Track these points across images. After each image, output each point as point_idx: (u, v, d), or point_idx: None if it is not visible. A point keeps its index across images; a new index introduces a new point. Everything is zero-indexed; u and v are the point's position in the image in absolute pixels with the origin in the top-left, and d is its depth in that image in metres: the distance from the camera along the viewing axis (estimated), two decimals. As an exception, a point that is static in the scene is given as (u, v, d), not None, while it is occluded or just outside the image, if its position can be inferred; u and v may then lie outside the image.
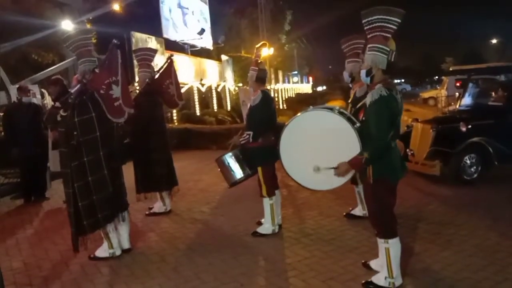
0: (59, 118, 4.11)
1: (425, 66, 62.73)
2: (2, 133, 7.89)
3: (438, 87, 27.18)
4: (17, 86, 7.88)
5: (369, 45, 3.11)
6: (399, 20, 3.01)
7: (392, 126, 3.10)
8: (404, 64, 62.79)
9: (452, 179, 6.37)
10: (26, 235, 5.35)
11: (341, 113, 3.35)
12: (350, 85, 4.97)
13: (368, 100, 3.13)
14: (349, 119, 3.28)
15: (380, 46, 3.06)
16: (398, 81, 60.37)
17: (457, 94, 11.16)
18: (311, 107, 3.54)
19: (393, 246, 3.25)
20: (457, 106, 7.88)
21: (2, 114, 7.63)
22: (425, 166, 6.56)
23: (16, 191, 7.41)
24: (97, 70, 4.07)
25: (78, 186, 3.97)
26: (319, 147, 3.32)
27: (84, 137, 3.95)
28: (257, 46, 4.75)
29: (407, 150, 6.90)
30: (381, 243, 3.30)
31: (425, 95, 27.57)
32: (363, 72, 3.20)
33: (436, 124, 6.68)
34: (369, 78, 3.16)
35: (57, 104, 4.31)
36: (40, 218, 6.09)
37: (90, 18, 14.45)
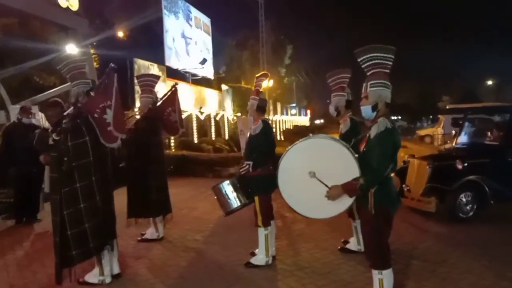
0: (51, 142, 4.00)
1: (422, 104, 63.49)
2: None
3: (432, 125, 27.44)
4: (17, 106, 7.92)
5: (372, 82, 3.17)
6: (393, 57, 3.15)
7: (392, 158, 3.18)
8: (401, 102, 63.52)
9: (448, 216, 6.36)
10: (15, 256, 5.25)
11: (341, 143, 3.39)
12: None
13: (373, 132, 3.17)
14: (348, 149, 3.32)
15: (384, 81, 3.17)
16: (395, 118, 61.01)
17: (453, 132, 11.27)
18: (311, 135, 3.55)
19: (387, 277, 3.27)
20: (454, 144, 7.95)
21: (1, 133, 7.63)
22: (421, 202, 6.55)
23: (7, 211, 7.31)
24: (92, 93, 4.03)
25: (68, 214, 3.82)
26: (319, 174, 3.30)
27: (77, 162, 3.84)
28: (257, 75, 4.82)
29: (403, 186, 6.91)
30: (375, 274, 3.30)
31: (422, 132, 27.82)
32: (367, 108, 3.21)
33: (433, 161, 6.72)
34: (374, 113, 3.21)
35: (47, 126, 4.25)
36: (30, 240, 6.00)
37: (94, 43, 14.71)
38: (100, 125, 3.95)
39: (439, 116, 25.50)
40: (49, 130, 4.26)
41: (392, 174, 3.45)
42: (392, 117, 3.32)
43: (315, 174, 3.24)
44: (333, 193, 3.20)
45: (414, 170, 6.88)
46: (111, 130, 3.93)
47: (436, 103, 53.77)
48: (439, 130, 21.56)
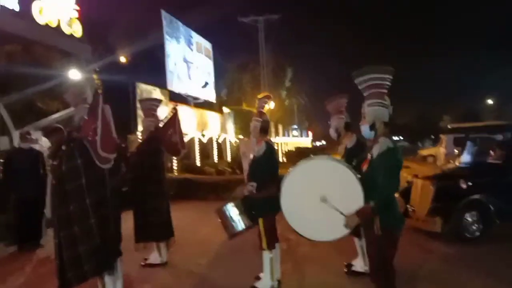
0: (50, 167, 4.10)
1: (422, 124, 63.59)
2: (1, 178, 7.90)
3: (433, 145, 27.35)
4: (18, 131, 7.99)
5: (368, 101, 3.23)
6: (391, 77, 3.19)
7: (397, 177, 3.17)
8: (402, 122, 63.67)
9: (453, 236, 6.29)
10: (17, 284, 5.19)
11: (343, 163, 3.40)
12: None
13: (375, 152, 3.19)
14: (350, 169, 3.31)
15: (380, 100, 3.20)
16: (397, 138, 60.93)
17: (455, 151, 11.26)
18: (312, 156, 3.56)
19: None
20: (457, 164, 7.93)
21: (2, 159, 7.67)
22: (426, 222, 6.50)
23: (9, 237, 7.26)
24: (85, 117, 4.09)
25: (63, 236, 3.83)
26: (321, 195, 3.28)
27: (70, 185, 3.86)
28: (259, 96, 4.86)
29: (408, 206, 6.86)
30: None
31: (424, 152, 27.75)
32: (365, 127, 3.27)
33: (437, 181, 6.69)
34: (373, 132, 3.25)
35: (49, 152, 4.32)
36: (33, 266, 5.93)
37: (96, 69, 14.89)
38: (93, 147, 3.95)
39: (441, 135, 25.48)
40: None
41: (396, 195, 3.43)
42: (394, 138, 3.32)
43: (327, 199, 3.22)
44: (350, 223, 3.17)
45: (418, 190, 6.85)
46: (99, 151, 3.92)
47: (437, 122, 53.83)
48: (441, 150, 21.51)
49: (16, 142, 8.31)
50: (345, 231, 3.31)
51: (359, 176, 3.27)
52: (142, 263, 5.63)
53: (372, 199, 3.11)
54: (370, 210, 3.09)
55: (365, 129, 3.29)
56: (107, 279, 4.12)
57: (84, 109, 4.13)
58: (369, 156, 3.29)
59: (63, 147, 3.94)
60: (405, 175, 8.24)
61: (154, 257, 5.65)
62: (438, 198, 6.46)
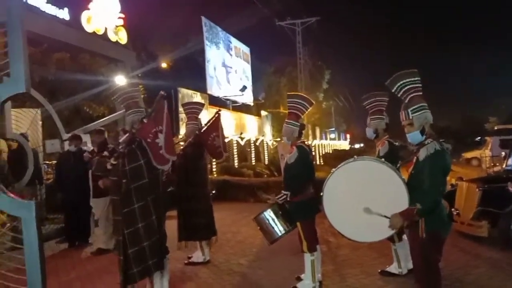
0: (109, 167, 4.29)
1: (467, 126, 61.23)
2: (50, 180, 8.38)
3: (478, 148, 26.32)
4: (67, 135, 8.42)
5: (413, 107, 3.18)
6: (420, 79, 3.20)
7: (443, 181, 3.14)
8: (445, 125, 61.62)
9: (501, 241, 6.07)
10: (68, 279, 5.48)
11: (387, 165, 3.36)
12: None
13: (421, 155, 3.15)
14: (395, 171, 3.28)
15: (424, 104, 3.19)
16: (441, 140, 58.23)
17: (502, 154, 10.83)
18: (355, 156, 3.53)
19: None
20: (504, 166, 7.66)
21: (55, 162, 8.15)
22: (471, 226, 6.31)
23: (61, 235, 7.66)
24: (145, 120, 4.26)
25: (128, 233, 4.02)
26: (365, 197, 3.27)
27: (134, 184, 4.06)
28: (289, 93, 4.81)
29: (452, 209, 6.69)
30: None
31: (468, 155, 26.73)
32: (416, 134, 3.21)
33: (483, 184, 6.48)
34: (424, 137, 3.20)
35: (105, 153, 4.54)
36: (83, 263, 6.24)
37: (139, 74, 15.40)
38: (153, 149, 4.14)
39: (486, 138, 24.50)
40: (106, 155, 4.53)
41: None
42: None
43: (371, 210, 3.20)
44: (394, 223, 3.13)
45: (463, 193, 6.66)
46: (163, 153, 4.10)
47: (483, 124, 51.74)
48: (487, 152, 20.69)
49: (66, 144, 8.74)
50: (389, 233, 3.29)
51: (404, 178, 3.24)
52: (186, 262, 5.81)
53: (418, 201, 3.06)
54: (414, 212, 3.05)
55: (415, 136, 3.21)
56: (156, 276, 4.28)
57: (136, 113, 4.31)
58: (414, 158, 3.26)
59: (121, 148, 4.13)
60: (448, 178, 8.02)
61: (197, 256, 5.81)
62: (484, 201, 6.26)
